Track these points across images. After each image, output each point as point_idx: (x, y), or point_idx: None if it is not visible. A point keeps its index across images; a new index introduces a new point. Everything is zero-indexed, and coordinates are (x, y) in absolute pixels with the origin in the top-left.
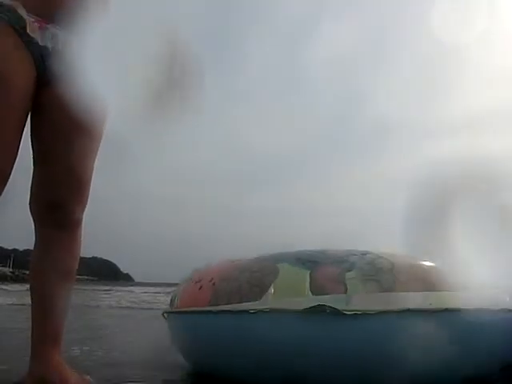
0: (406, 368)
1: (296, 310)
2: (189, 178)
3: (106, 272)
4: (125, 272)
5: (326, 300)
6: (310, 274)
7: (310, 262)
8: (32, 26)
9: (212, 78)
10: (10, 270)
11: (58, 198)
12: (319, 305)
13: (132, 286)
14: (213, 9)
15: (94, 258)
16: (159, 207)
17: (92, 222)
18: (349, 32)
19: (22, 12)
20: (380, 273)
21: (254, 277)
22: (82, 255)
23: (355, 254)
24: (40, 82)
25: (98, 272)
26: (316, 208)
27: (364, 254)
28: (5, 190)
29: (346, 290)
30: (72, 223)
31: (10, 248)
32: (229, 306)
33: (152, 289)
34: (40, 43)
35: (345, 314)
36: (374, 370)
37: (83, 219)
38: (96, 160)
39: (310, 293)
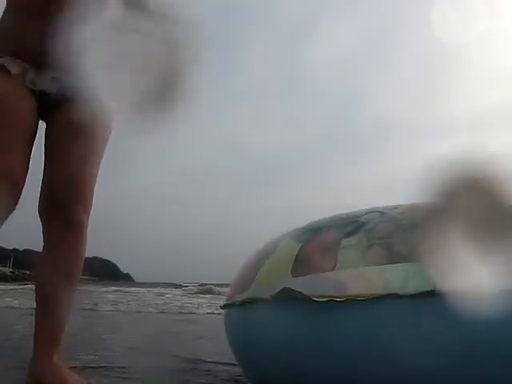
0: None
1: (264, 298)
2: (189, 177)
3: (106, 272)
4: (125, 272)
5: (297, 283)
6: (300, 250)
7: (311, 231)
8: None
9: (211, 77)
10: (10, 269)
11: (60, 199)
12: (285, 289)
13: (141, 286)
14: (213, 9)
15: (94, 258)
16: (159, 207)
17: (92, 222)
18: (349, 32)
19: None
20: (397, 233)
21: (252, 262)
22: None
23: (376, 211)
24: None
25: (98, 272)
26: (316, 208)
27: (393, 208)
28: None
29: (335, 264)
30: (75, 223)
31: (10, 248)
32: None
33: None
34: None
35: (315, 300)
36: (355, 369)
37: (87, 222)
38: (100, 164)
39: (290, 274)
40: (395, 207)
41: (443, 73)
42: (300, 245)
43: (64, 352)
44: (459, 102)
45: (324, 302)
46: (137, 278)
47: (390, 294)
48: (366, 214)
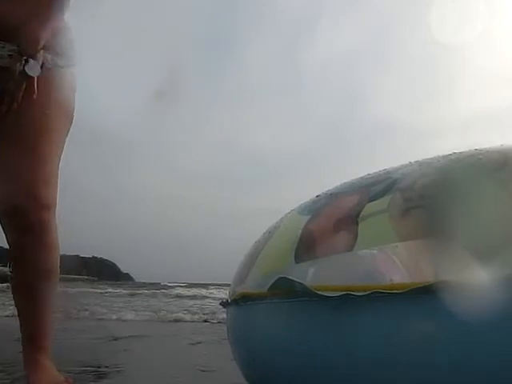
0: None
1: (258, 292)
2: (189, 178)
3: (106, 272)
4: (125, 272)
5: (301, 270)
6: (307, 224)
7: (324, 198)
8: None
9: (211, 77)
10: (10, 269)
11: (14, 202)
12: (282, 279)
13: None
14: (213, 9)
15: (94, 258)
16: (159, 207)
17: (92, 222)
18: (348, 32)
19: None
20: (449, 189)
21: (253, 246)
22: (82, 255)
23: (415, 164)
24: None
25: (98, 272)
26: None
27: (443, 157)
28: None
29: (355, 241)
30: (34, 227)
31: None
32: None
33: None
34: None
35: (319, 295)
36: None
37: (52, 220)
38: (59, 160)
39: (292, 259)
40: (447, 156)
41: (443, 73)
42: (308, 217)
43: None
44: (459, 102)
45: (336, 297)
46: (137, 278)
47: (442, 283)
48: (403, 167)
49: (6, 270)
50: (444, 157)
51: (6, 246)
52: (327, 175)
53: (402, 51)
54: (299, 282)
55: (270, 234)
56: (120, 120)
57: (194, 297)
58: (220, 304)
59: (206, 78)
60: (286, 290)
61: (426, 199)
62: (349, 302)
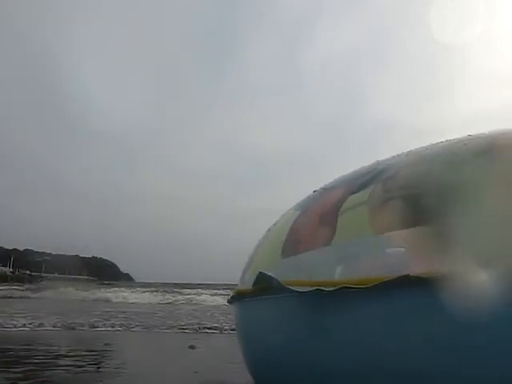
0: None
1: (245, 289)
2: (189, 178)
3: (106, 272)
4: (125, 272)
5: (287, 266)
6: (296, 219)
7: (319, 193)
8: None
9: (211, 77)
10: (10, 269)
11: None
12: (260, 275)
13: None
14: (213, 9)
15: (94, 258)
16: (159, 207)
17: (92, 222)
18: (348, 32)
19: None
20: (430, 179)
21: (257, 243)
22: (82, 255)
23: (403, 154)
24: None
25: (98, 272)
26: None
27: (435, 144)
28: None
29: (334, 234)
30: None
31: (10, 248)
32: None
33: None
34: None
35: (291, 290)
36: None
37: None
38: None
39: (280, 255)
40: (436, 144)
41: (443, 73)
42: (298, 213)
43: None
44: (459, 102)
45: (306, 293)
46: (137, 278)
47: (402, 278)
48: (398, 156)
49: (6, 269)
50: (433, 145)
51: (6, 246)
52: (327, 175)
53: (401, 51)
54: (274, 278)
55: (269, 231)
56: (120, 120)
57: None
58: (227, 302)
59: (206, 78)
60: (265, 286)
61: (405, 189)
62: (320, 297)
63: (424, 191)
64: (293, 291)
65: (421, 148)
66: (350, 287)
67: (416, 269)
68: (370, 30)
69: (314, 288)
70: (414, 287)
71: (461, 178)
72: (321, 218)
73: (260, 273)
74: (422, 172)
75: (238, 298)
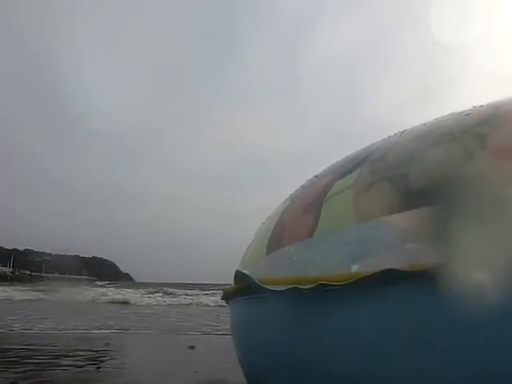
0: None
1: (229, 288)
2: (189, 178)
3: (106, 272)
4: (125, 272)
5: (270, 263)
6: (284, 211)
7: (310, 181)
8: None
9: (211, 77)
10: (10, 269)
11: None
12: (237, 273)
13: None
14: (213, 9)
15: (94, 258)
16: (159, 207)
17: (92, 222)
18: (348, 32)
19: None
20: (419, 159)
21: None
22: (82, 255)
23: (398, 133)
24: None
25: (98, 272)
26: None
27: (437, 118)
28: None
29: (317, 224)
30: None
31: (10, 248)
32: None
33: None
34: None
35: (264, 288)
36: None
37: None
38: None
39: (265, 251)
40: (438, 118)
41: (443, 73)
42: (287, 204)
43: None
44: (459, 102)
45: (282, 291)
46: (137, 277)
47: (386, 272)
48: (386, 139)
49: (6, 270)
50: (432, 120)
51: (6, 246)
52: None
53: (401, 51)
54: (250, 277)
55: (262, 224)
56: (120, 120)
57: None
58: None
59: (206, 78)
60: (245, 285)
61: (393, 170)
62: (298, 295)
63: (413, 170)
64: (268, 290)
65: (420, 124)
66: (326, 284)
67: (401, 262)
68: (369, 30)
69: (290, 286)
70: (398, 283)
71: (457, 153)
72: (305, 207)
73: (237, 271)
74: (413, 148)
75: (225, 297)
